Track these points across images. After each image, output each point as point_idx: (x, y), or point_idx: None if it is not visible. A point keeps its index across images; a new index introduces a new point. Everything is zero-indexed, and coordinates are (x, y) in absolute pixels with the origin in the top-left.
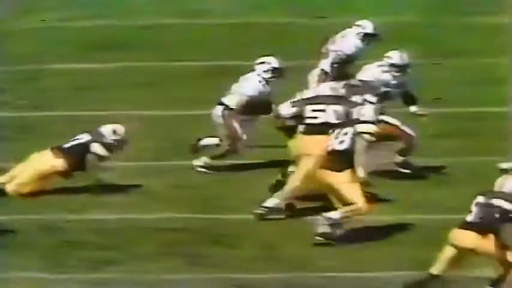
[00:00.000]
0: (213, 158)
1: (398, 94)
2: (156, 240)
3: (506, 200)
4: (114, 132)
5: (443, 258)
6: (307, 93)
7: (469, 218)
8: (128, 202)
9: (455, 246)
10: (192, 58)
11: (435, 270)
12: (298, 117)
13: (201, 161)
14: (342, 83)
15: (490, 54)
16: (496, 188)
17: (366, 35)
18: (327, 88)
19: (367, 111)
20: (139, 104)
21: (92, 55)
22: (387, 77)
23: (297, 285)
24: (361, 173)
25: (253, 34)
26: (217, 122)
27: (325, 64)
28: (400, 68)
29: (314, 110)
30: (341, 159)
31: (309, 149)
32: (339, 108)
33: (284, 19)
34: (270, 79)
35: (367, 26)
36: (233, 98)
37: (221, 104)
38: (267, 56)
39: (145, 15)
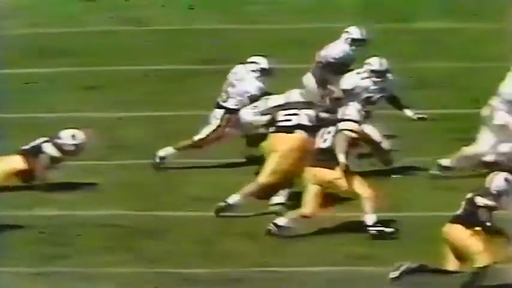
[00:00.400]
0: (177, 148)
1: (381, 99)
2: (102, 235)
3: (486, 197)
4: (73, 137)
5: (446, 254)
6: (277, 101)
7: (458, 212)
8: (76, 199)
9: (447, 241)
10: (132, 63)
11: (480, 263)
12: (270, 123)
13: (164, 151)
14: (323, 94)
15: None
16: (486, 184)
17: (354, 40)
18: (297, 94)
19: (351, 111)
20: (84, 106)
21: (36, 61)
22: (368, 83)
23: (235, 280)
24: (342, 158)
25: (189, 40)
26: (213, 123)
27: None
28: (380, 73)
29: (287, 115)
30: (327, 157)
31: (277, 145)
32: (311, 112)
33: (218, 25)
34: (259, 78)
35: (354, 32)
36: (236, 101)
37: (220, 107)
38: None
39: (85, 23)
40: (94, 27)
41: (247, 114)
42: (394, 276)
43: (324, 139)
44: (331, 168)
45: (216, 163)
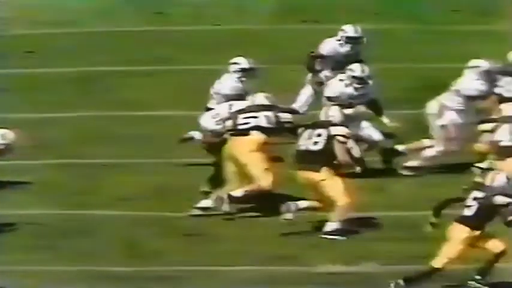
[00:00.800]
0: (202, 139)
1: (362, 104)
2: (28, 234)
3: (506, 195)
4: (3, 136)
5: (443, 251)
6: (242, 105)
7: (468, 212)
8: (2, 198)
9: (452, 240)
10: (56, 65)
11: (436, 263)
12: (232, 128)
13: (194, 133)
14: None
15: None
16: (488, 183)
17: (349, 38)
18: (262, 98)
19: (334, 112)
20: (7, 107)
21: None
22: (351, 90)
23: (160, 278)
24: (359, 169)
25: (112, 41)
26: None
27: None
28: (362, 80)
29: (246, 117)
30: (315, 159)
31: (235, 149)
32: (270, 113)
33: (141, 27)
34: (240, 78)
35: (349, 30)
36: (215, 102)
37: (208, 109)
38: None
39: (14, 26)
40: (17, 30)
41: (208, 122)
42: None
43: (313, 141)
44: (317, 170)
45: (141, 163)
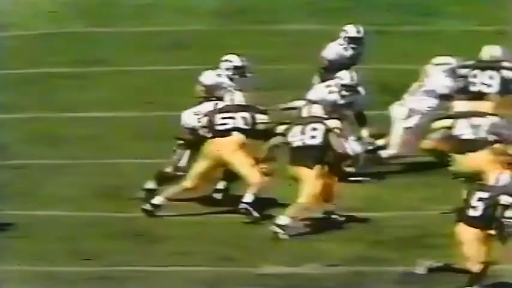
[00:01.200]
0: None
1: (348, 113)
2: None
3: (510, 195)
4: None
5: (470, 256)
6: (222, 103)
7: (474, 213)
8: None
9: (465, 243)
10: (2, 67)
11: (473, 268)
12: (208, 126)
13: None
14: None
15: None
16: (492, 182)
17: (351, 38)
18: (240, 97)
19: (317, 110)
20: None
21: None
22: (335, 97)
23: (101, 279)
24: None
25: (55, 43)
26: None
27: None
28: (350, 88)
29: (224, 118)
30: (312, 154)
31: (221, 149)
32: (246, 114)
33: (83, 29)
34: (232, 76)
35: (350, 31)
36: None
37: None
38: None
39: None
40: None
41: (190, 119)
42: (420, 272)
43: (310, 135)
44: (310, 167)
45: (85, 163)
